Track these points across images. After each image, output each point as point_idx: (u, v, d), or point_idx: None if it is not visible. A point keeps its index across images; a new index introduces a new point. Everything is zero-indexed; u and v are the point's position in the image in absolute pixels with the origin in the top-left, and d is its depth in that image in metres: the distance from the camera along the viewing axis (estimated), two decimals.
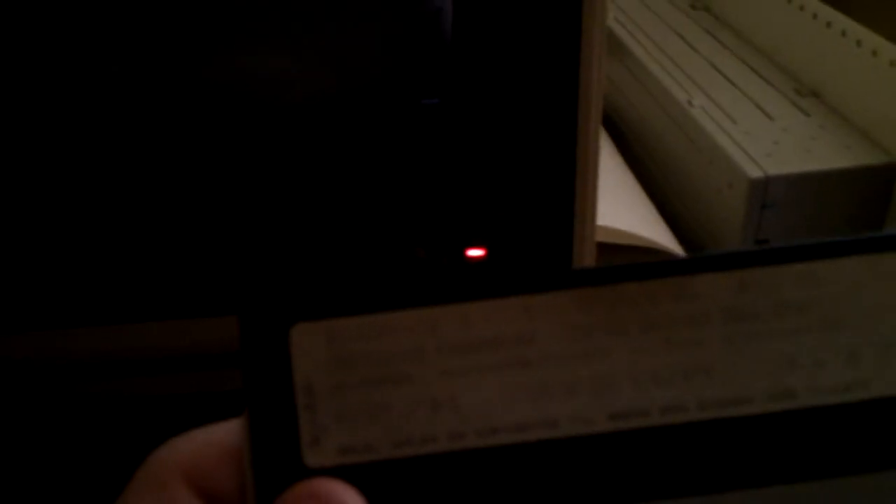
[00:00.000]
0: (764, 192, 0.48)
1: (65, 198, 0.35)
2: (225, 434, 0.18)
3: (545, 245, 0.37)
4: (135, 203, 0.35)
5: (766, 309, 0.17)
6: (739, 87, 0.58)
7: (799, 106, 0.55)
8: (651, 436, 0.17)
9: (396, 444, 0.17)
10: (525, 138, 0.36)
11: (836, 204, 0.49)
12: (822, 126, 0.53)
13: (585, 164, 0.36)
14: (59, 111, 0.34)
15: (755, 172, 0.48)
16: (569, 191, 0.37)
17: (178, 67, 0.34)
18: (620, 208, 0.51)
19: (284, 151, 0.35)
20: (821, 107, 0.55)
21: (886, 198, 0.49)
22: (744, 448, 0.17)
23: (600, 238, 0.40)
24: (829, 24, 0.55)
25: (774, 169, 0.48)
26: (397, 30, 0.34)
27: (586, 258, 0.38)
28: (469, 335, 0.17)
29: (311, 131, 0.35)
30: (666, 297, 0.17)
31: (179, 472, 0.17)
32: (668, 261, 0.17)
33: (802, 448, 0.17)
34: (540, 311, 0.17)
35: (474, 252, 0.37)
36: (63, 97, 0.34)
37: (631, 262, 0.18)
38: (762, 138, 0.51)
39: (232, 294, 0.37)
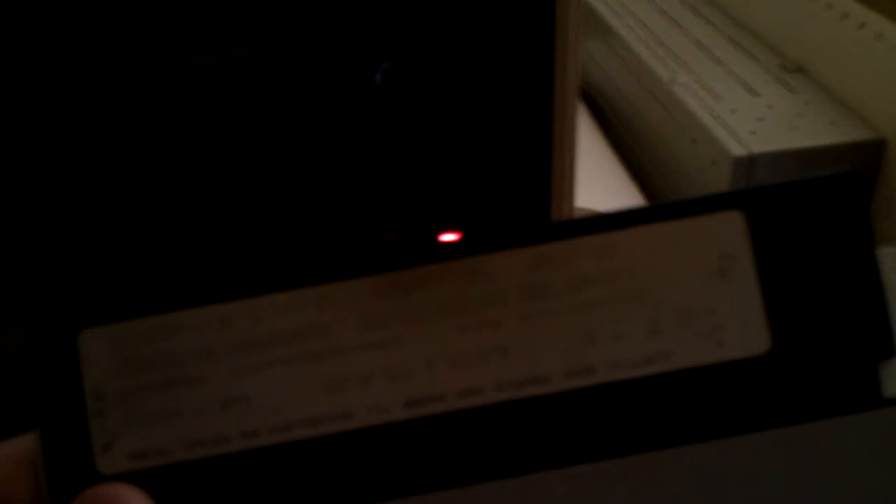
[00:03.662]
0: (748, 169, 0.46)
1: None
2: (23, 445, 0.17)
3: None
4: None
5: (563, 284, 0.17)
6: (723, 64, 0.56)
7: (785, 82, 0.54)
8: (448, 421, 0.17)
9: (189, 446, 0.17)
10: (499, 118, 0.34)
11: None
12: (809, 102, 0.51)
13: (562, 144, 0.35)
14: None
15: (739, 150, 0.47)
16: (545, 171, 0.35)
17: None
18: (601, 189, 0.49)
19: (248, 139, 0.34)
20: (807, 83, 0.54)
21: (874, 174, 0.48)
22: (543, 428, 0.17)
23: None
24: None
25: (759, 146, 0.47)
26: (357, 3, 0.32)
27: None
28: (260, 331, 0.17)
29: (267, 117, 0.33)
30: (461, 278, 0.17)
31: None
32: (462, 241, 0.17)
33: (603, 425, 0.17)
34: (334, 302, 0.17)
35: (448, 237, 0.36)
36: None
37: None
38: (747, 115, 0.50)
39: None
